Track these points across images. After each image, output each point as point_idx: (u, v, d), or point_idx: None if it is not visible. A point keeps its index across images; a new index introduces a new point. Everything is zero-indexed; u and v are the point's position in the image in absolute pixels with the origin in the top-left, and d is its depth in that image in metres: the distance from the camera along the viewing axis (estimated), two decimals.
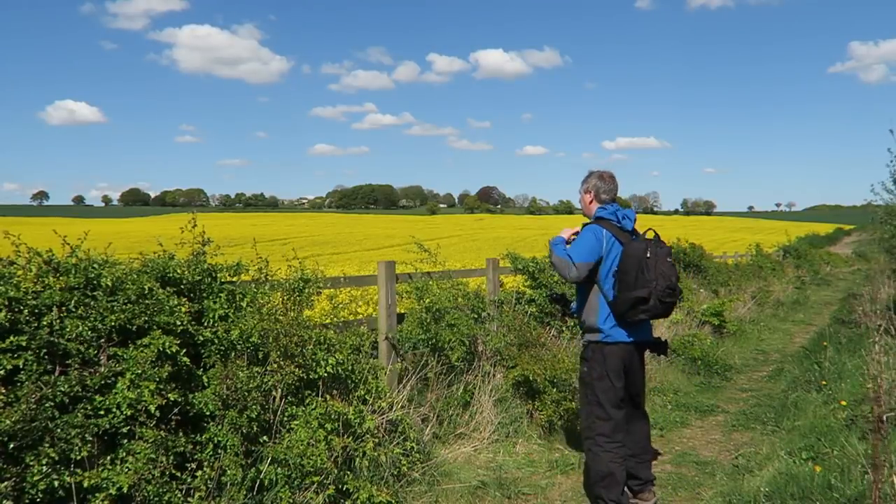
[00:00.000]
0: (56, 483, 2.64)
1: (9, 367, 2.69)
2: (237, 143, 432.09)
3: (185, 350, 3.18)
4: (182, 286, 3.50)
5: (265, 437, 3.39)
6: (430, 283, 5.13)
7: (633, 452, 3.93)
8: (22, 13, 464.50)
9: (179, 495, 2.90)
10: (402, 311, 5.08)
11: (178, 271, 3.47)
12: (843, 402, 5.33)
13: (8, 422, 2.54)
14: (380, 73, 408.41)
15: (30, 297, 2.88)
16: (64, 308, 2.96)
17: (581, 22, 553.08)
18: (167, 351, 3.04)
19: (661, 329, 8.19)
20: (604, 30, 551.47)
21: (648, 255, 3.55)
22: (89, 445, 2.76)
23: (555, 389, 5.14)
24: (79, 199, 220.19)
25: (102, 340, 3.01)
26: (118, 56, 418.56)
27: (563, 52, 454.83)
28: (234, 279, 3.83)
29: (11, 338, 2.73)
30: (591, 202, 3.91)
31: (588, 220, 3.91)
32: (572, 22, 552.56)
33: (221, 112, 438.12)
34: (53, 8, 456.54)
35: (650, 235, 3.73)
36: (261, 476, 3.21)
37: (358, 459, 3.56)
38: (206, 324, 3.50)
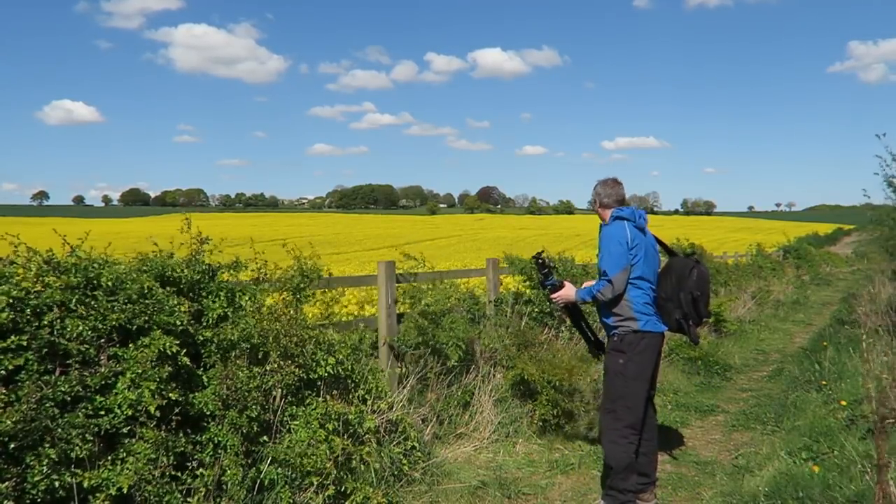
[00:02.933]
0: (56, 483, 2.64)
1: (10, 366, 2.70)
2: (236, 142, 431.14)
3: (185, 350, 3.18)
4: (181, 285, 3.50)
5: (265, 438, 3.39)
6: (424, 286, 5.15)
7: (644, 450, 3.94)
8: (16, 12, 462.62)
9: (179, 496, 2.91)
10: (403, 312, 5.08)
11: (178, 270, 3.47)
12: (843, 402, 5.33)
13: (9, 422, 2.55)
14: (378, 73, 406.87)
15: (31, 297, 2.89)
16: (64, 308, 2.96)
17: (580, 21, 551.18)
18: (167, 351, 3.04)
19: None
20: (603, 29, 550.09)
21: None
22: (90, 445, 2.76)
23: (553, 389, 5.14)
24: (79, 199, 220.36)
25: (103, 340, 3.01)
26: (114, 55, 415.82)
27: (562, 52, 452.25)
28: (233, 278, 3.83)
29: (13, 337, 2.74)
30: (600, 208, 4.03)
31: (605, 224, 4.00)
32: (571, 21, 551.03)
33: (219, 112, 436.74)
34: (47, 7, 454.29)
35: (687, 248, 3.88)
36: (261, 476, 3.21)
37: (358, 460, 3.57)
38: (205, 323, 3.50)
